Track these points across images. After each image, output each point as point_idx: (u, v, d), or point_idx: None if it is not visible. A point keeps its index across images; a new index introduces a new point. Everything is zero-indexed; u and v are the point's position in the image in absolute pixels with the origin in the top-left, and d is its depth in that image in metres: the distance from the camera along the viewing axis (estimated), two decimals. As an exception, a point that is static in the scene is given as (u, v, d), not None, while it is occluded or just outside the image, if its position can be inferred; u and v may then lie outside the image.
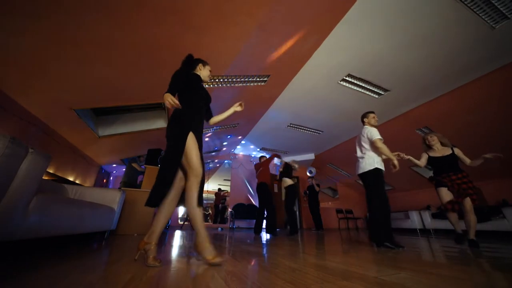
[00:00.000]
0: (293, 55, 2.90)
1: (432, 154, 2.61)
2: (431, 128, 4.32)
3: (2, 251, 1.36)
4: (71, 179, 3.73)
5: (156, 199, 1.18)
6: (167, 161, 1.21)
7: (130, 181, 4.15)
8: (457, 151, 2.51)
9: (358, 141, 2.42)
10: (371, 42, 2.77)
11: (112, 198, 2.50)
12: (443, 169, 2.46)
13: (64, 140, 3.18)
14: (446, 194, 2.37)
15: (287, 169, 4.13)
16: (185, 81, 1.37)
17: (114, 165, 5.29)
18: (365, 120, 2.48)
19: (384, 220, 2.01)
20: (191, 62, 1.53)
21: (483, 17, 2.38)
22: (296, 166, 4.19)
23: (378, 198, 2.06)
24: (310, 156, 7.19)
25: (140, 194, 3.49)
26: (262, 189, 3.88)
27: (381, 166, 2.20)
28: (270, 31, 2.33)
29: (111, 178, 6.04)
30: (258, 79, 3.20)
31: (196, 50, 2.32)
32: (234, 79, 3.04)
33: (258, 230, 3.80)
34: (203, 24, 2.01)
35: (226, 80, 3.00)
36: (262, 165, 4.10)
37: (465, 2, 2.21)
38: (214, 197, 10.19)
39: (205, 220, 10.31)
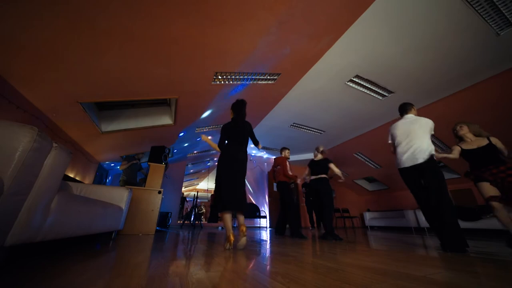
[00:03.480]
0: (306, 54, 2.88)
1: (465, 146, 2.25)
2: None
3: (15, 254, 1.26)
4: (71, 175, 3.55)
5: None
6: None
7: (130, 179, 4.01)
8: (494, 140, 2.15)
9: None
10: (383, 44, 2.80)
11: (120, 196, 2.40)
12: (480, 162, 2.12)
13: (65, 135, 3.01)
14: (489, 189, 1.99)
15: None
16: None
17: (113, 164, 5.08)
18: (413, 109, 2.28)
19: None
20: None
21: (490, 22, 2.47)
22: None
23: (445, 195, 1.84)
24: (310, 155, 7.25)
25: (142, 192, 3.37)
26: (283, 187, 3.49)
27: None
28: (288, 28, 2.30)
29: (110, 176, 5.81)
30: (268, 77, 3.17)
31: (215, 43, 2.25)
32: (246, 76, 2.99)
33: (281, 230, 3.61)
34: (223, 17, 1.95)
35: (238, 77, 2.95)
36: (281, 162, 3.63)
37: (474, 6, 2.28)
38: (210, 198, 10.16)
39: (199, 219, 10.24)
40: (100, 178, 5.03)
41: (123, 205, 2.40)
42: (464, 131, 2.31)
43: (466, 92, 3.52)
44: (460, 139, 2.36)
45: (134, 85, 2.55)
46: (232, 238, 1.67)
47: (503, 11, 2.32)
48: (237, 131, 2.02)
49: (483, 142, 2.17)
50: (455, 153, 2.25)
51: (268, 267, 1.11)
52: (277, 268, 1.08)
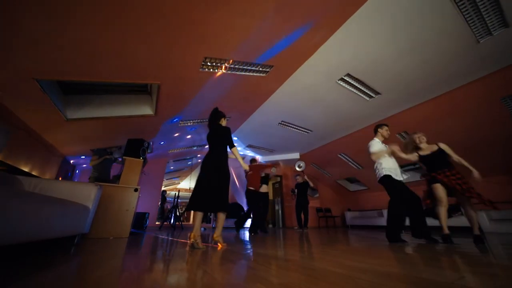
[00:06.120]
0: (299, 48, 2.78)
1: (421, 153, 2.60)
2: (409, 133, 4.65)
3: None
4: (25, 169, 3.01)
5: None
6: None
7: (102, 176, 3.57)
8: (443, 146, 2.51)
9: None
10: (375, 43, 2.80)
11: (86, 194, 2.05)
12: (436, 165, 2.44)
13: (18, 119, 2.51)
14: (442, 190, 2.32)
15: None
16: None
17: (83, 157, 4.48)
18: (379, 130, 2.81)
19: (393, 219, 2.30)
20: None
21: (473, 28, 2.57)
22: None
23: (390, 202, 2.43)
24: (295, 155, 7.25)
25: (116, 190, 3.00)
26: (250, 196, 4.17)
27: (389, 172, 2.48)
28: (285, 15, 2.16)
29: (77, 171, 5.15)
30: (260, 69, 3.01)
31: (207, 24, 2.01)
32: (237, 66, 2.79)
33: (239, 227, 4.68)
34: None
35: (228, 66, 2.73)
36: (252, 169, 4.19)
37: (460, 8, 2.33)
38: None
39: (180, 220, 9.74)
40: (65, 174, 4.43)
41: (90, 204, 2.05)
42: (424, 140, 2.67)
43: (451, 94, 3.65)
44: (417, 148, 2.70)
45: (108, 63, 2.19)
46: (193, 235, 1.80)
47: (484, 17, 2.41)
48: (212, 138, 2.21)
49: (434, 148, 2.54)
50: (414, 155, 2.65)
51: (260, 272, 0.94)
52: (275, 275, 0.92)
